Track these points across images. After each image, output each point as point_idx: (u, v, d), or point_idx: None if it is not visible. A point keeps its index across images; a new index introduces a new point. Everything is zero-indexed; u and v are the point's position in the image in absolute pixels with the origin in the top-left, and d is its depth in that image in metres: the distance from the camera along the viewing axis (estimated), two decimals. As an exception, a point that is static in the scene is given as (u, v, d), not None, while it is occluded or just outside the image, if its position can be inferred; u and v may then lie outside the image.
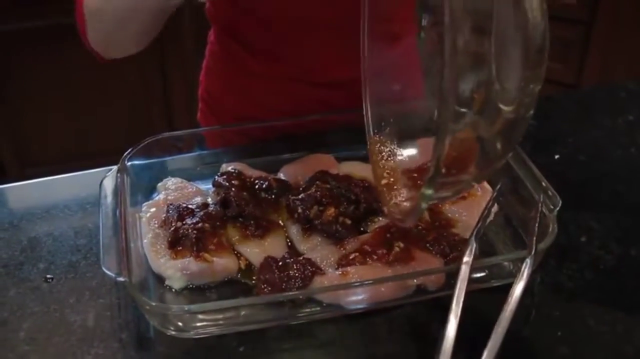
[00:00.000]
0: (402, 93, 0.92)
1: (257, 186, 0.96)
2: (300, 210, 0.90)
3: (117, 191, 0.90)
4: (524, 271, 0.77)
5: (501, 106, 0.67)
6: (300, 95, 1.13)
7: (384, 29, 0.90)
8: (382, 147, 0.91)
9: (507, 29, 0.65)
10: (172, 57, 2.29)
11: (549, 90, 2.36)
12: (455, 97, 0.62)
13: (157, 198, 0.96)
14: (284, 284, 0.82)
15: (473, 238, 0.81)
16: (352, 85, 0.93)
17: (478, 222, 0.84)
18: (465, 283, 0.76)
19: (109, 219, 0.87)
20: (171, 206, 0.92)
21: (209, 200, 0.95)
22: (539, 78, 0.68)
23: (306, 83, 1.12)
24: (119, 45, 0.98)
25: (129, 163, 0.96)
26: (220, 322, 0.80)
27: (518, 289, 0.76)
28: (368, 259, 0.85)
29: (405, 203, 0.83)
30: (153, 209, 0.93)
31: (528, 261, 0.78)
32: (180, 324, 0.79)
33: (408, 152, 0.91)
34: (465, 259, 0.78)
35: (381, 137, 0.92)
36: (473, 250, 0.79)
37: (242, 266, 0.88)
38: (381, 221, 0.92)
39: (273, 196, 0.96)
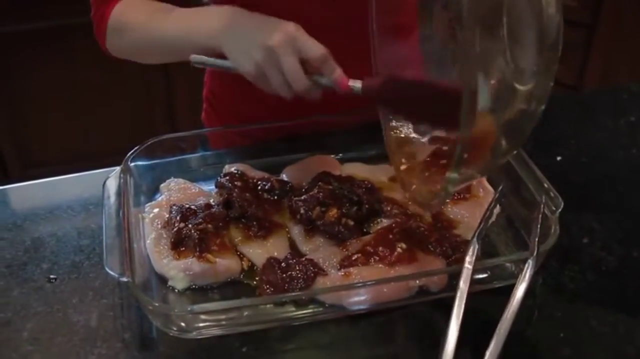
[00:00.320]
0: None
1: (259, 187, 0.96)
2: (302, 211, 0.90)
3: (120, 192, 0.91)
4: (526, 272, 0.77)
5: (516, 85, 0.67)
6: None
7: (392, 21, 0.90)
8: (398, 133, 0.91)
9: (522, 13, 0.66)
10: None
11: (551, 91, 2.34)
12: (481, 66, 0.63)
13: (160, 199, 0.97)
14: (287, 285, 0.82)
15: (475, 239, 0.81)
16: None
17: (480, 223, 0.84)
18: (468, 284, 0.76)
19: (112, 219, 0.87)
20: (174, 207, 0.92)
21: (212, 201, 0.95)
22: (551, 75, 0.69)
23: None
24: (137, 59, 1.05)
25: (132, 164, 0.96)
26: (223, 322, 0.80)
27: (520, 290, 0.76)
28: (370, 260, 0.85)
29: (427, 187, 0.82)
30: (156, 210, 0.93)
31: (530, 262, 0.78)
32: (182, 324, 0.79)
33: (423, 137, 0.91)
34: (468, 260, 0.78)
35: (397, 124, 0.92)
36: (475, 251, 0.79)
37: (245, 266, 0.88)
38: (383, 222, 0.92)
39: (276, 197, 0.96)
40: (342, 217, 0.90)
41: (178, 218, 0.90)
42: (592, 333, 0.81)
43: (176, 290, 0.85)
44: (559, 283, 0.87)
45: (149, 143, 0.99)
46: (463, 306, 0.74)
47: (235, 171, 0.98)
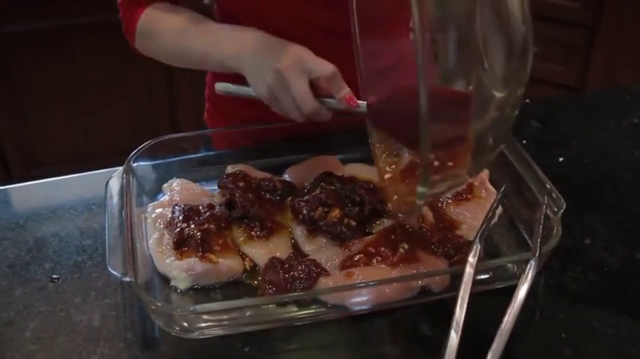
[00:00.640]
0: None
1: (262, 188, 0.96)
2: (305, 211, 0.90)
3: (123, 192, 0.91)
4: (528, 273, 0.78)
5: (494, 92, 0.68)
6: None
7: (374, 31, 0.91)
8: (385, 143, 0.92)
9: (489, 23, 0.67)
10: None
11: (553, 92, 2.35)
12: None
13: (162, 199, 0.97)
14: (289, 285, 0.83)
15: (477, 240, 0.81)
16: (357, 87, 0.94)
17: (482, 224, 0.84)
18: (470, 285, 0.76)
19: (115, 219, 0.87)
20: (177, 207, 0.92)
21: (215, 201, 0.95)
22: (522, 82, 0.70)
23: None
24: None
25: (135, 164, 0.96)
26: (225, 322, 0.80)
27: (522, 291, 0.76)
28: (373, 260, 0.85)
29: (407, 199, 0.83)
30: (159, 210, 0.94)
31: (532, 263, 0.79)
32: (185, 324, 0.79)
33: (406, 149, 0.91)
34: (470, 261, 0.78)
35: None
36: (477, 252, 0.80)
37: (247, 267, 0.88)
38: (386, 222, 0.92)
39: (278, 198, 0.96)
40: (344, 218, 0.90)
41: (180, 218, 0.90)
42: (594, 333, 0.81)
43: (179, 290, 0.85)
44: (561, 284, 0.87)
45: (151, 143, 0.99)
46: (465, 306, 0.74)
47: (238, 172, 0.98)
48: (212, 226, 0.89)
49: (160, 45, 1.03)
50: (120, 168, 0.95)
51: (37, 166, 2.31)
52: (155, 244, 0.89)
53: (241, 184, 0.95)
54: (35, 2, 2.08)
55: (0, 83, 2.15)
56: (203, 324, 0.79)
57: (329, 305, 0.82)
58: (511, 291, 0.76)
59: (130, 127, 2.34)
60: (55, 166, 1.97)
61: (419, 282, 0.83)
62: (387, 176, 0.88)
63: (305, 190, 0.96)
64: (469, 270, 0.78)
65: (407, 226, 0.89)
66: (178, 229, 0.88)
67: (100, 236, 0.94)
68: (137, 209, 0.92)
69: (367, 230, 0.92)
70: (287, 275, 0.83)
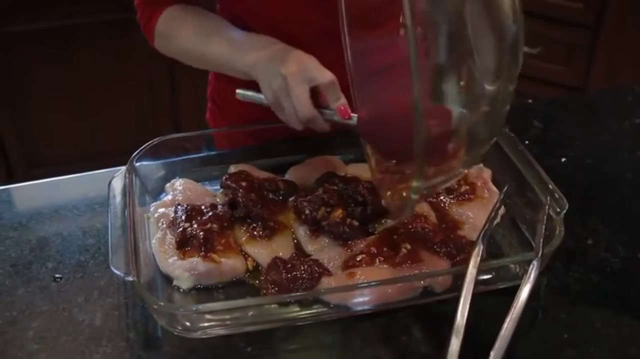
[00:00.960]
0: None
1: (265, 188, 0.96)
2: (307, 211, 0.91)
3: (126, 192, 0.91)
4: (530, 273, 0.78)
5: (485, 85, 0.68)
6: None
7: (364, 27, 0.91)
8: None
9: (479, 16, 0.68)
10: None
11: (555, 93, 2.34)
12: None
13: (165, 199, 0.97)
14: (291, 285, 0.83)
15: (480, 240, 0.81)
16: None
17: (485, 224, 0.84)
18: (472, 285, 0.76)
19: (118, 219, 0.87)
20: (179, 207, 0.92)
21: (217, 201, 0.95)
22: (513, 77, 0.71)
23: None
24: None
25: (138, 164, 0.96)
26: (228, 322, 0.80)
27: (525, 291, 0.76)
28: (375, 260, 0.85)
29: (401, 194, 0.83)
30: (161, 210, 0.94)
31: (535, 263, 0.79)
32: (187, 324, 0.79)
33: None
34: (472, 261, 0.78)
35: None
36: (480, 252, 0.80)
37: (250, 266, 0.88)
38: (388, 222, 0.92)
39: (280, 197, 0.96)
40: (347, 218, 0.90)
41: (183, 218, 0.90)
42: (597, 334, 0.81)
43: (181, 290, 0.85)
44: (564, 284, 0.87)
45: (154, 143, 0.99)
46: (468, 306, 0.74)
47: (241, 172, 0.98)
48: (214, 225, 0.89)
49: (180, 47, 1.04)
50: (123, 168, 0.95)
51: (39, 166, 2.31)
52: (158, 243, 0.89)
53: (244, 184, 0.95)
54: (35, 2, 2.08)
55: (1, 83, 2.16)
56: (205, 324, 0.79)
57: (331, 305, 0.82)
58: (513, 291, 0.76)
59: (132, 127, 2.34)
60: (58, 165, 1.97)
61: (422, 282, 0.83)
62: (379, 175, 0.89)
63: (308, 190, 0.96)
64: (471, 270, 0.78)
65: (410, 226, 0.89)
66: (181, 229, 0.88)
67: (103, 236, 0.94)
68: (139, 209, 0.92)
69: (370, 230, 0.92)
70: (289, 275, 0.83)
